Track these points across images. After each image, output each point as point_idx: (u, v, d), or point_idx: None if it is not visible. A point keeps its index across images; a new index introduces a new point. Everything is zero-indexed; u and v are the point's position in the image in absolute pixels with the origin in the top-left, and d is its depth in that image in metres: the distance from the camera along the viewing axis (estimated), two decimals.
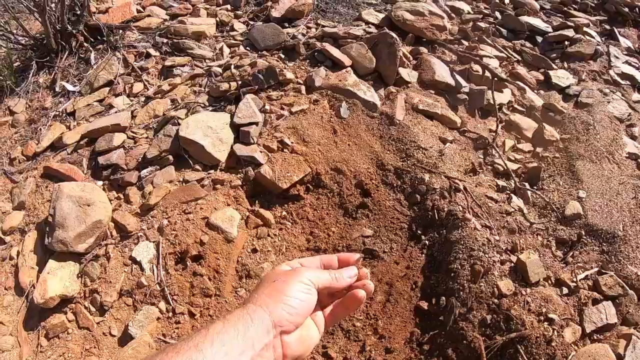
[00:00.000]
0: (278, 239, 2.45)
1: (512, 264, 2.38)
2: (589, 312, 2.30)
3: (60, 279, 2.49)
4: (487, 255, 2.36)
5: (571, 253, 2.51)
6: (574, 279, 2.39)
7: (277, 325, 0.65)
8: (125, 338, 2.33)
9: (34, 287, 2.51)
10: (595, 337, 2.25)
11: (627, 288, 2.37)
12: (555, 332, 2.20)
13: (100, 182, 2.74)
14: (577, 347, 2.19)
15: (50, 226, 2.53)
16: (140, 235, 2.47)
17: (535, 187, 2.73)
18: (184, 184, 2.56)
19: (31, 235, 2.74)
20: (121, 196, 2.65)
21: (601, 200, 2.67)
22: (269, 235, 2.45)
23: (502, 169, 2.73)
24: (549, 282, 2.39)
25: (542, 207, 2.65)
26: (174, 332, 2.30)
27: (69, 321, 2.46)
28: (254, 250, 2.40)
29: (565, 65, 3.54)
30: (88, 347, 2.35)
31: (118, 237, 2.51)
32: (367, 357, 2.24)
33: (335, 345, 2.26)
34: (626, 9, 4.22)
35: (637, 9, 4.31)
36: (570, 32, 3.63)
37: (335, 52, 3.02)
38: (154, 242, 2.44)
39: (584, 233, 2.56)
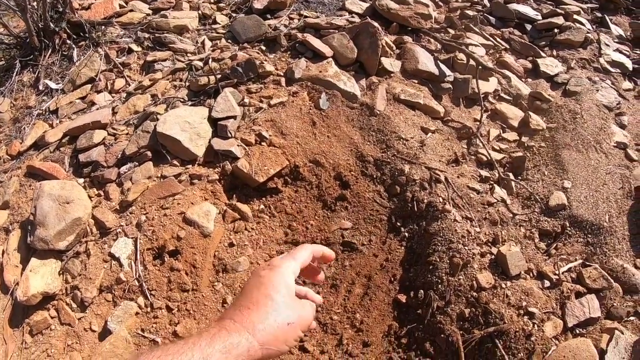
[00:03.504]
0: (255, 232, 2.48)
1: (493, 257, 2.37)
2: (571, 305, 2.28)
3: (42, 277, 2.53)
4: (466, 248, 2.36)
5: (555, 245, 2.49)
6: (557, 272, 2.38)
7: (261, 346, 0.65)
8: (105, 333, 2.37)
9: (18, 285, 2.56)
10: (577, 332, 2.24)
11: (612, 281, 2.35)
12: (536, 326, 2.19)
13: (81, 180, 2.78)
14: (558, 342, 2.18)
15: (31, 225, 2.57)
16: (119, 232, 2.51)
17: (519, 178, 2.72)
18: (161, 180, 2.59)
19: (15, 234, 2.79)
20: (101, 193, 2.69)
21: (587, 190, 2.65)
22: (246, 229, 2.47)
23: (485, 159, 2.72)
24: (531, 274, 2.38)
25: (526, 197, 2.64)
26: (152, 326, 2.34)
27: (52, 318, 2.51)
28: (231, 245, 2.43)
29: (554, 53, 3.50)
30: (70, 342, 2.40)
31: (98, 233, 2.55)
32: (345, 350, 2.26)
33: (312, 338, 2.29)
34: None
35: None
36: (559, 20, 3.59)
37: (316, 42, 3.02)
38: (132, 238, 2.48)
39: (568, 224, 2.54)
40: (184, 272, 2.38)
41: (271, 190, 2.58)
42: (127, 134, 2.89)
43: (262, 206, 2.56)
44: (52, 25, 3.46)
